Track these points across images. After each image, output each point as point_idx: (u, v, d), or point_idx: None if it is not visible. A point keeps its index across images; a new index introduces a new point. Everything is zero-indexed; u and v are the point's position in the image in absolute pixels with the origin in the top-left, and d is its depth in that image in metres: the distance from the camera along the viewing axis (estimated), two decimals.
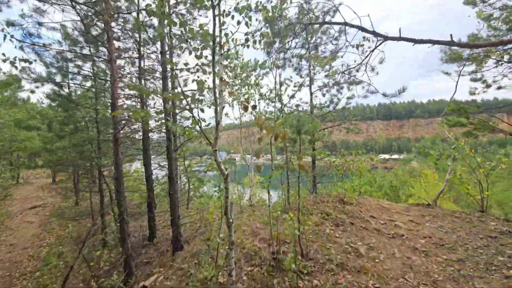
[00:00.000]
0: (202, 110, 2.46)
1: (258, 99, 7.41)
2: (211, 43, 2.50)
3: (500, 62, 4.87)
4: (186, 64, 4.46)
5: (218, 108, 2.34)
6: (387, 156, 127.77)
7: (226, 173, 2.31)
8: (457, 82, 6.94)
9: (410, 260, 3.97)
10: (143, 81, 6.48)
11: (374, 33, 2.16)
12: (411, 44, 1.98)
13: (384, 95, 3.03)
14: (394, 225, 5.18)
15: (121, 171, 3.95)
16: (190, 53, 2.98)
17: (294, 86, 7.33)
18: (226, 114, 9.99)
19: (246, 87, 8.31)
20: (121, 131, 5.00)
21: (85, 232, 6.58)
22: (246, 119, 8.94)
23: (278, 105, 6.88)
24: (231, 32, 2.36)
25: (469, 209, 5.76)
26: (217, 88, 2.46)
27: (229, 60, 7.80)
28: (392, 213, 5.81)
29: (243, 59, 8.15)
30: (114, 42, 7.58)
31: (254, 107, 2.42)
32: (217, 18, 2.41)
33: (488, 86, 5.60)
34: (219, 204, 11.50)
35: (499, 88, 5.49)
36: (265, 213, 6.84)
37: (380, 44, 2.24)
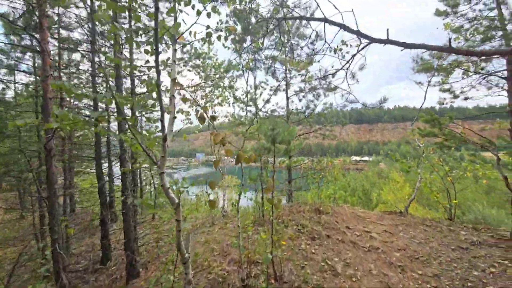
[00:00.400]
0: (149, 119, 1.88)
1: (233, 103, 6.95)
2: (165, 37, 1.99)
3: (470, 74, 4.99)
4: (147, 62, 3.83)
5: (167, 118, 1.82)
6: (358, 158, 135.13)
7: (176, 201, 1.80)
8: (426, 91, 7.17)
9: (387, 278, 3.78)
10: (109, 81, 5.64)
11: (358, 33, 1.84)
12: (400, 49, 1.71)
13: (365, 105, 2.76)
14: (369, 236, 5.04)
15: (55, 190, 3.17)
16: (138, 46, 2.41)
17: (270, 90, 7.00)
18: (200, 118, 9.30)
19: (220, 89, 7.78)
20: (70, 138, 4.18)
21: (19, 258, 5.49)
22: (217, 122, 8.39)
23: (253, 109, 6.49)
24: (183, 21, 1.86)
25: (439, 217, 5.85)
26: (164, 93, 1.94)
27: (201, 60, 7.24)
28: (367, 223, 5.70)
29: (216, 59, 7.63)
30: (65, 32, 6.58)
31: (213, 118, 1.96)
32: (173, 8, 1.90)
33: (456, 96, 5.74)
34: (199, 208, 10.77)
35: (466, 99, 5.65)
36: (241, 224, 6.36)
37: (365, 47, 1.95)
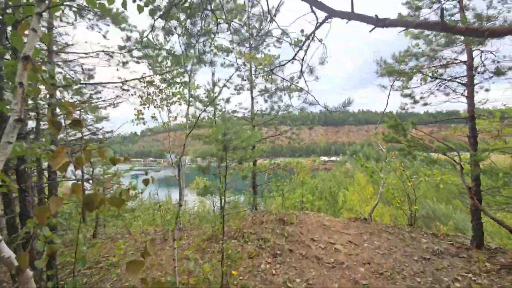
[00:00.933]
0: None
1: (191, 101, 6.16)
2: None
3: (430, 79, 4.94)
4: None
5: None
6: (326, 158, 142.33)
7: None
8: (389, 96, 7.20)
9: None
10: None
11: (313, 2, 1.33)
12: (368, 30, 1.25)
13: (326, 108, 2.29)
14: (334, 249, 4.70)
15: None
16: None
17: (235, 89, 6.38)
18: (154, 117, 8.26)
19: (177, 86, 6.88)
20: None
21: None
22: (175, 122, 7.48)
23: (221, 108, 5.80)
24: None
25: (400, 224, 5.79)
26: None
27: (152, 49, 6.27)
28: (332, 233, 5.39)
29: (174, 52, 6.73)
30: None
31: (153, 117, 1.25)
32: None
33: (416, 102, 5.72)
34: (158, 218, 9.57)
35: (425, 104, 5.65)
36: (195, 239, 5.58)
37: (323, 22, 1.46)
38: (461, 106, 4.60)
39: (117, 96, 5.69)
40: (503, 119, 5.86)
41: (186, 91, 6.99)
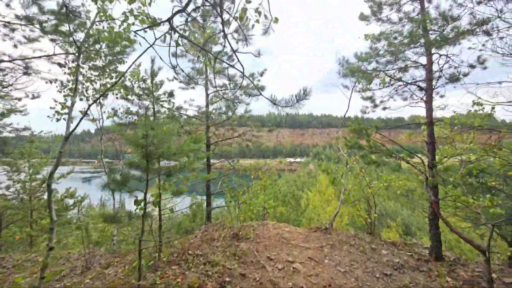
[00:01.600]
0: None
1: (121, 94, 5.00)
2: None
3: (391, 83, 4.72)
4: None
5: None
6: (292, 160, 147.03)
7: None
8: (350, 98, 7.03)
9: None
10: None
11: None
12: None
13: (274, 102, 1.62)
14: (292, 269, 4.11)
15: None
16: None
17: (182, 82, 5.42)
18: (86, 114, 6.80)
19: (113, 74, 5.65)
20: None
21: None
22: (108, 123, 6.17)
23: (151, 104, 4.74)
24: None
25: (358, 224, 5.50)
26: None
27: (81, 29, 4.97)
28: (292, 248, 4.83)
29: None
30: None
31: None
32: None
33: (376, 105, 5.52)
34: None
35: (385, 108, 5.48)
36: (126, 265, 4.46)
37: None
38: (423, 111, 4.44)
39: (16, 79, 4.27)
40: (453, 126, 6.10)
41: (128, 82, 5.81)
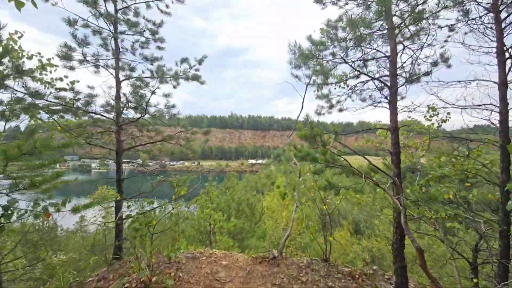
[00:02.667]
0: None
1: None
2: None
3: (351, 76, 3.82)
4: None
5: None
6: (253, 161, 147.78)
7: None
8: (304, 97, 6.10)
9: None
10: None
11: None
12: None
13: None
14: None
15: None
16: None
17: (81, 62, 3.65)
18: None
19: None
20: None
21: None
22: None
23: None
24: None
25: (314, 259, 4.51)
26: None
27: None
28: None
29: None
30: None
31: None
32: None
33: (332, 106, 4.63)
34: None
35: (341, 110, 4.62)
36: None
37: None
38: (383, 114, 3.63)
39: None
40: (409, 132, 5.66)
41: None
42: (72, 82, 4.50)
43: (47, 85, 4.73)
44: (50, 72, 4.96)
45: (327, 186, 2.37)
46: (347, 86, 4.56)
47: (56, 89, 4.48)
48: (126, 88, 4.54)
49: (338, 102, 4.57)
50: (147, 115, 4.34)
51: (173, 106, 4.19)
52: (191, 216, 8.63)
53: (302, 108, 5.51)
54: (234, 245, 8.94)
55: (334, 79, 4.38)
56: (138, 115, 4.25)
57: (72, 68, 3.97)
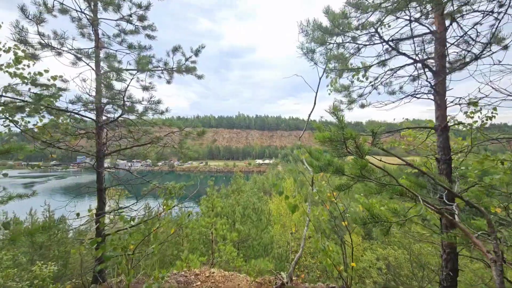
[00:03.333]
0: None
1: None
2: None
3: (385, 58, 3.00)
4: None
5: None
6: (261, 161, 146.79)
7: None
8: (317, 89, 5.30)
9: None
10: None
11: None
12: None
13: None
14: None
15: None
16: None
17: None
18: None
19: None
20: None
21: None
22: None
23: None
24: None
25: (332, 285, 3.72)
26: None
27: None
28: None
29: None
30: None
31: None
32: None
33: (352, 101, 3.81)
34: None
35: (363, 106, 3.81)
36: None
37: None
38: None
39: None
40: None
41: None
42: (51, 75, 3.90)
43: (25, 80, 4.15)
44: (28, 66, 4.40)
45: (368, 218, 1.58)
46: (367, 79, 3.74)
47: (36, 85, 3.90)
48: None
49: (360, 96, 3.75)
50: (131, 114, 3.66)
51: (159, 102, 3.49)
52: (193, 224, 7.95)
53: (314, 104, 4.71)
54: (239, 255, 8.21)
55: (353, 72, 3.57)
56: (118, 113, 3.57)
57: (35, 56, 3.33)
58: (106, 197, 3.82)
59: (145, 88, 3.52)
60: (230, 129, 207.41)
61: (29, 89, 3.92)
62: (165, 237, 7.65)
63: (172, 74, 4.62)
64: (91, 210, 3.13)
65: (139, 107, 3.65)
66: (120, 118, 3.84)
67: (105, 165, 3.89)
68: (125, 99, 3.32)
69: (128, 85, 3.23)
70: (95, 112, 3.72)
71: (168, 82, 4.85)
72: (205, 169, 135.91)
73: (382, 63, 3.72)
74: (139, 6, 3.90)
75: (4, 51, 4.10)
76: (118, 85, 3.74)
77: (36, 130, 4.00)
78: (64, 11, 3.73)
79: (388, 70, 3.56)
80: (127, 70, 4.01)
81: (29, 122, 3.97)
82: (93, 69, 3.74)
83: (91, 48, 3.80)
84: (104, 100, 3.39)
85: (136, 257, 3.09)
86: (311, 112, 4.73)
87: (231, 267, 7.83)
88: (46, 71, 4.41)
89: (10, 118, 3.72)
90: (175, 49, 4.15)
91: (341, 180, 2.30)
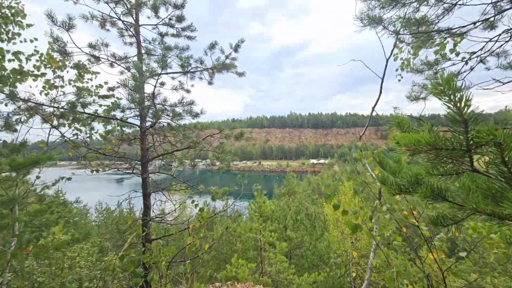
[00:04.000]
0: None
1: None
2: None
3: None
4: None
5: None
6: (315, 161, 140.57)
7: None
8: (383, 76, 4.20)
9: None
10: None
11: None
12: None
13: None
14: None
15: None
16: None
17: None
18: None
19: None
20: None
21: None
22: None
23: None
24: None
25: None
26: None
27: None
28: None
29: None
30: None
31: None
32: None
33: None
34: None
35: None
36: None
37: None
38: None
39: None
40: None
41: None
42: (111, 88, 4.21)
43: (90, 93, 4.60)
44: (91, 79, 4.89)
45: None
46: (457, 55, 2.59)
47: (99, 96, 4.30)
48: (149, 88, 3.87)
49: (457, 76, 2.62)
50: (169, 118, 3.54)
51: (192, 103, 3.23)
52: (241, 229, 7.72)
53: (380, 93, 3.68)
54: (290, 265, 7.53)
55: (442, 39, 2.49)
56: (158, 119, 3.48)
57: (86, 70, 3.54)
58: (151, 202, 3.80)
59: (175, 89, 3.34)
60: (282, 128, 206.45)
61: (93, 100, 4.32)
62: (216, 238, 7.64)
63: (213, 74, 4.37)
64: (132, 217, 3.11)
65: (177, 110, 3.47)
66: (162, 123, 3.78)
67: (151, 168, 3.89)
68: (162, 102, 3.19)
69: (154, 87, 3.08)
70: (139, 118, 3.74)
71: (210, 83, 4.64)
72: (259, 168, 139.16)
73: (489, 26, 2.49)
74: (175, 6, 3.77)
75: (71, 67, 4.62)
76: (151, 89, 3.69)
77: (99, 138, 4.38)
78: (111, 23, 3.90)
79: (504, 32, 2.35)
80: (167, 73, 3.93)
81: (92, 129, 4.38)
82: (136, 75, 3.79)
83: (134, 56, 3.86)
84: (147, 104, 3.34)
85: (172, 273, 2.86)
86: (376, 103, 3.72)
87: (282, 278, 7.25)
88: (106, 83, 4.82)
89: (79, 127, 4.14)
90: (212, 46, 3.85)
91: (437, 209, 1.43)
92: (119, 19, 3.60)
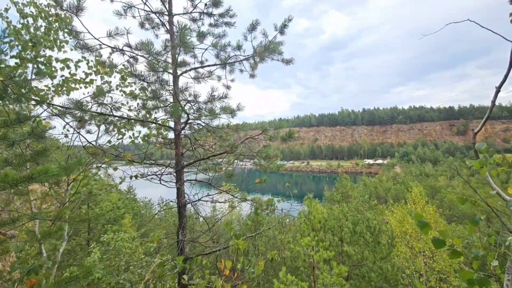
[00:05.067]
0: None
1: None
2: None
3: None
4: None
5: None
6: (371, 161, 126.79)
7: None
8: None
9: None
10: None
11: None
12: None
13: None
14: None
15: None
16: None
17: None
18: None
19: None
20: None
21: None
22: None
23: None
24: None
25: None
26: None
27: None
28: None
29: None
30: None
31: None
32: None
33: None
34: None
35: None
36: None
37: None
38: None
39: None
40: None
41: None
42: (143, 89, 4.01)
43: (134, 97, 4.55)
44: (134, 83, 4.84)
45: None
46: None
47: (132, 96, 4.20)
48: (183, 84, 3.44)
49: None
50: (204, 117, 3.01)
51: (225, 97, 2.59)
52: (292, 244, 6.87)
53: (511, 65, 2.35)
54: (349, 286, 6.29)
55: None
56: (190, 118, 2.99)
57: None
58: (186, 212, 3.37)
59: (196, 78, 2.76)
60: (332, 126, 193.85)
61: (138, 104, 4.21)
62: (256, 275, 7.05)
63: (254, 65, 3.70)
64: (157, 237, 2.70)
65: (209, 106, 2.91)
66: (198, 124, 3.31)
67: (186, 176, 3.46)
68: (194, 99, 2.69)
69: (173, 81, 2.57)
70: (172, 120, 3.35)
71: (251, 75, 3.99)
72: (307, 169, 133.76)
73: None
74: None
75: (117, 72, 4.62)
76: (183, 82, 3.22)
77: (141, 141, 4.26)
78: (149, 21, 3.64)
79: None
80: (202, 67, 3.44)
81: (134, 133, 4.29)
82: (170, 73, 3.43)
83: (167, 51, 3.50)
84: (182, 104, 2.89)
85: None
86: (504, 81, 2.40)
87: None
88: (134, 82, 4.69)
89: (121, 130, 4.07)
90: (253, 27, 3.16)
91: None
92: (152, 11, 3.27)
